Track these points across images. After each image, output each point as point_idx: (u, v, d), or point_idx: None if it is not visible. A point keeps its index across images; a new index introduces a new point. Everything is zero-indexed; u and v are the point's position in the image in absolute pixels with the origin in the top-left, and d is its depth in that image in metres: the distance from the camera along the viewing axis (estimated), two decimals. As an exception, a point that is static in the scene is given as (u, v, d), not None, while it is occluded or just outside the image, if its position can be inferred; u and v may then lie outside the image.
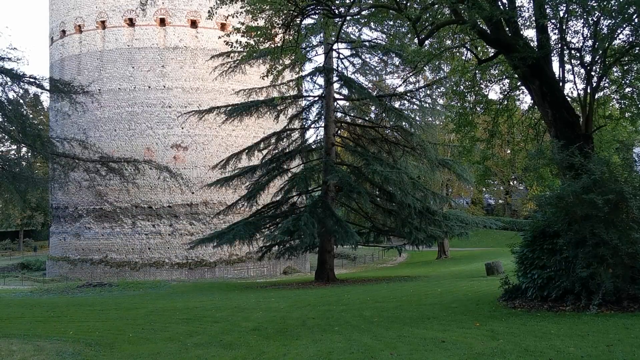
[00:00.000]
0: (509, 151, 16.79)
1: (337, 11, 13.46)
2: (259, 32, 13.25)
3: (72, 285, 24.71)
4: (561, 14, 13.52)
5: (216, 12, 12.50)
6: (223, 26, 37.65)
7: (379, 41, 24.69)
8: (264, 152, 24.52)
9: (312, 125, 24.85)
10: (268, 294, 18.62)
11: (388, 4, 13.76)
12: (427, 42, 20.88)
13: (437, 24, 13.76)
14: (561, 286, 10.48)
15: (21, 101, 8.57)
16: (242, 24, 14.18)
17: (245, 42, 13.70)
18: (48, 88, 8.71)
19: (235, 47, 13.93)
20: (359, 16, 15.13)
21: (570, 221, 10.32)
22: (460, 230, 22.18)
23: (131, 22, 37.20)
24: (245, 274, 36.84)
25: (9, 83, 8.16)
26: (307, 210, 20.18)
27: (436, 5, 13.62)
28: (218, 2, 12.30)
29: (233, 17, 13.00)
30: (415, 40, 19.89)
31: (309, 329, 10.49)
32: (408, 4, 14.24)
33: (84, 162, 9.21)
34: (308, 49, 21.51)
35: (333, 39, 18.41)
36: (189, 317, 12.83)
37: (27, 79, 8.35)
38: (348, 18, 14.56)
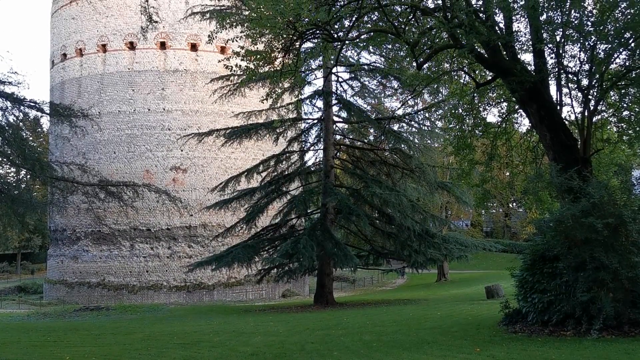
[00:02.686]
0: (507, 174, 16.78)
1: (336, 35, 13.57)
2: (258, 56, 13.33)
3: (69, 309, 24.52)
4: (558, 38, 13.64)
5: (216, 36, 12.60)
6: (223, 49, 37.97)
7: (377, 64, 24.92)
8: (263, 174, 24.53)
9: (311, 148, 24.94)
10: (266, 317, 18.46)
11: (387, 29, 13.87)
12: (425, 65, 21.06)
13: (435, 48, 13.87)
14: (562, 310, 10.41)
15: (21, 125, 8.59)
16: (242, 47, 14.28)
17: (245, 65, 13.78)
18: (48, 112, 8.74)
19: (235, 70, 14.01)
20: (357, 40, 15.24)
21: (570, 245, 10.29)
22: (459, 253, 22.10)
23: (132, 46, 37.51)
24: (244, 297, 36.55)
25: (9, 107, 8.21)
26: (306, 233, 20.12)
27: (434, 30, 13.76)
28: (218, 26, 12.40)
29: (233, 41, 13.07)
30: (414, 64, 20.11)
31: (308, 354, 10.40)
32: (406, 29, 14.36)
33: (83, 186, 9.21)
34: (307, 72, 21.66)
35: (332, 62, 18.54)
36: (186, 342, 12.70)
37: (28, 103, 8.38)
38: (347, 42, 14.66)
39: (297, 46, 13.58)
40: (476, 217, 43.42)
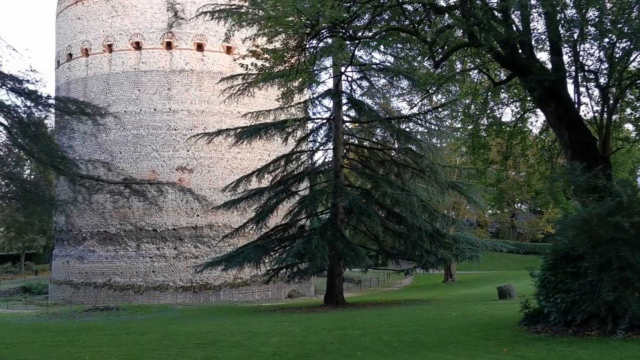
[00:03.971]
0: (522, 174, 16.67)
1: (352, 34, 13.48)
2: (275, 55, 13.25)
3: (78, 309, 24.44)
4: (575, 36, 13.55)
5: (233, 35, 12.53)
6: (229, 49, 37.89)
7: (386, 64, 24.85)
8: (273, 174, 24.44)
9: (320, 148, 24.85)
10: (279, 318, 18.38)
11: (404, 27, 13.80)
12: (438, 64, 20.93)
13: (452, 46, 13.79)
14: (586, 310, 10.31)
15: (46, 122, 8.56)
16: (257, 46, 14.21)
17: (261, 64, 13.71)
18: (74, 110, 8.66)
19: (250, 69, 13.94)
20: (371, 39, 15.13)
21: (595, 244, 10.20)
22: (470, 253, 22.01)
23: (138, 46, 37.42)
24: (250, 298, 36.47)
25: (32, 105, 8.12)
26: (317, 233, 20.02)
27: (451, 28, 13.67)
28: (235, 25, 12.33)
29: (251, 39, 13.00)
30: (426, 63, 20.00)
31: (330, 354, 10.32)
32: (419, 27, 14.27)
33: (108, 184, 9.14)
34: (319, 70, 21.57)
35: (346, 61, 18.42)
36: (203, 341, 12.62)
37: (51, 101, 8.31)
38: (362, 41, 14.56)
39: (314, 44, 13.52)
40: (482, 218, 43.32)
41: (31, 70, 9.82)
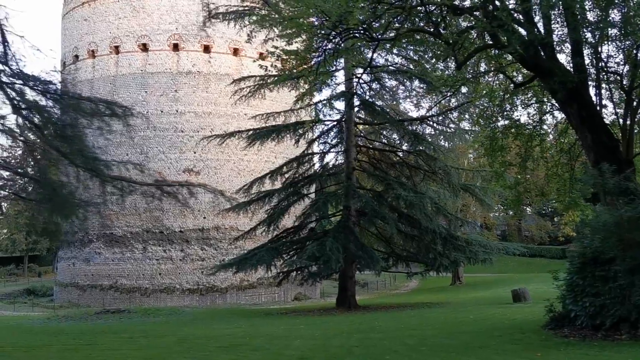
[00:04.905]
0: (543, 175, 16.54)
1: (375, 36, 13.37)
2: (297, 56, 13.16)
3: (89, 312, 24.29)
4: (597, 37, 13.48)
5: (255, 36, 12.44)
6: (236, 51, 37.85)
7: (398, 66, 24.76)
8: (285, 176, 24.34)
9: (331, 150, 24.75)
10: (294, 321, 18.26)
11: (425, 29, 13.70)
12: (448, 66, 20.82)
13: (475, 47, 13.71)
14: (616, 314, 10.19)
15: (81, 120, 8.44)
16: (276, 47, 14.10)
17: (281, 66, 13.62)
18: (108, 112, 8.57)
19: (269, 70, 13.85)
20: (388, 42, 15.00)
21: (625, 247, 10.10)
22: (484, 255, 21.88)
23: (145, 47, 37.33)
24: (257, 300, 36.34)
25: (62, 106, 8.05)
26: (331, 235, 19.90)
27: (473, 30, 13.58)
28: (257, 26, 12.24)
29: (265, 42, 12.90)
30: (440, 65, 19.86)
31: (357, 358, 10.20)
32: (437, 29, 14.17)
33: (140, 186, 9.05)
34: (334, 72, 21.47)
35: (361, 64, 18.32)
36: (224, 344, 12.50)
37: (85, 103, 8.23)
38: (382, 42, 14.45)
39: (334, 46, 13.41)
40: (488, 220, 43.23)
41: (56, 71, 9.73)
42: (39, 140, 8.26)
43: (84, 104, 8.66)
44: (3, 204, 13.08)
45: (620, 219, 9.81)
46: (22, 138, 8.29)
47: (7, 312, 31.67)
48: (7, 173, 12.09)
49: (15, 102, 7.46)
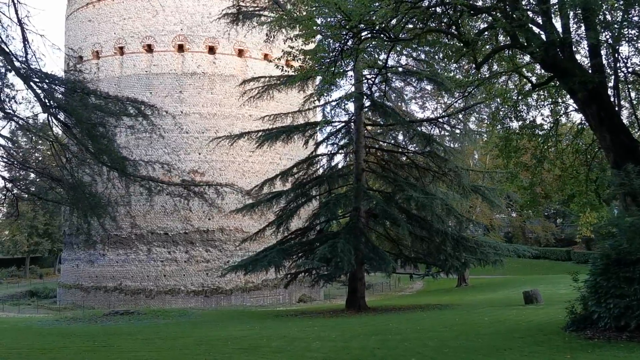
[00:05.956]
0: (559, 176, 16.46)
1: (392, 36, 13.30)
2: (314, 57, 13.09)
3: (98, 313, 24.15)
4: (613, 38, 13.43)
5: (275, 36, 12.38)
6: (240, 52, 37.81)
7: (407, 66, 24.72)
8: (295, 177, 24.24)
9: (340, 151, 24.66)
10: (306, 322, 18.16)
11: (444, 29, 13.65)
12: (461, 67, 20.76)
13: (494, 47, 13.66)
14: (642, 316, 10.14)
15: (111, 121, 8.35)
16: (292, 47, 14.03)
17: (299, 65, 13.55)
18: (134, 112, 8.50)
19: (286, 71, 13.77)
20: (402, 41, 14.90)
21: (651, 248, 10.05)
22: (495, 257, 21.80)
23: (149, 48, 37.25)
24: (261, 302, 36.24)
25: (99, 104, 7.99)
26: (343, 237, 19.81)
27: (492, 30, 13.52)
28: (283, 25, 12.17)
29: (293, 39, 12.83)
30: (453, 66, 19.77)
31: (382, 360, 10.12)
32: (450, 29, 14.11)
33: (167, 186, 8.96)
34: (347, 72, 21.38)
35: (372, 64, 18.24)
36: (243, 346, 12.41)
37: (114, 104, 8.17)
38: (400, 42, 14.38)
39: (354, 46, 13.34)
40: (493, 221, 43.12)
41: (73, 70, 9.64)
42: (67, 140, 8.18)
43: (111, 104, 8.56)
44: (19, 205, 12.94)
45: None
46: (51, 137, 8.19)
47: (12, 314, 31.53)
48: (23, 172, 12.00)
49: (46, 101, 7.36)
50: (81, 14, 40.17)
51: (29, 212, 47.57)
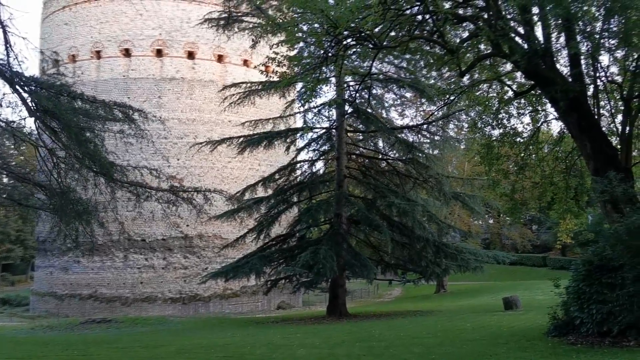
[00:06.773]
0: (538, 184, 16.65)
1: (378, 43, 13.34)
2: (299, 63, 13.07)
3: (74, 322, 23.65)
4: (593, 48, 13.65)
5: (259, 42, 12.32)
6: (220, 58, 37.61)
7: (388, 73, 24.84)
8: (276, 183, 24.14)
9: (322, 157, 24.65)
10: (288, 330, 18.03)
11: (428, 37, 13.74)
12: (442, 74, 20.88)
13: (479, 55, 13.80)
14: (623, 321, 10.27)
15: (99, 126, 8.12)
16: (277, 53, 13.98)
17: (283, 71, 13.51)
18: (120, 117, 8.31)
19: (270, 77, 13.73)
20: (396, 48, 14.95)
21: (633, 255, 10.20)
22: (475, 264, 21.97)
23: (127, 53, 36.82)
24: (240, 309, 35.93)
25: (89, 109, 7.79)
26: (325, 244, 19.77)
27: (476, 38, 13.67)
28: (267, 31, 12.12)
29: (279, 45, 12.78)
30: (434, 73, 19.91)
31: (370, 367, 10.08)
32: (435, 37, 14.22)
33: (156, 192, 8.79)
34: (330, 79, 21.41)
35: (354, 71, 18.29)
36: (227, 354, 12.25)
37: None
38: (385, 49, 14.42)
39: (341, 54, 13.34)
40: (471, 228, 43.49)
41: (59, 74, 9.48)
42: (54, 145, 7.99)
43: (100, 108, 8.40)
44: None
45: (631, 226, 9.90)
46: (34, 142, 8.00)
47: (-16, 323, 30.73)
48: (6, 179, 11.73)
49: (31, 105, 7.19)
50: (57, 17, 39.55)
51: (1, 218, 46.55)
